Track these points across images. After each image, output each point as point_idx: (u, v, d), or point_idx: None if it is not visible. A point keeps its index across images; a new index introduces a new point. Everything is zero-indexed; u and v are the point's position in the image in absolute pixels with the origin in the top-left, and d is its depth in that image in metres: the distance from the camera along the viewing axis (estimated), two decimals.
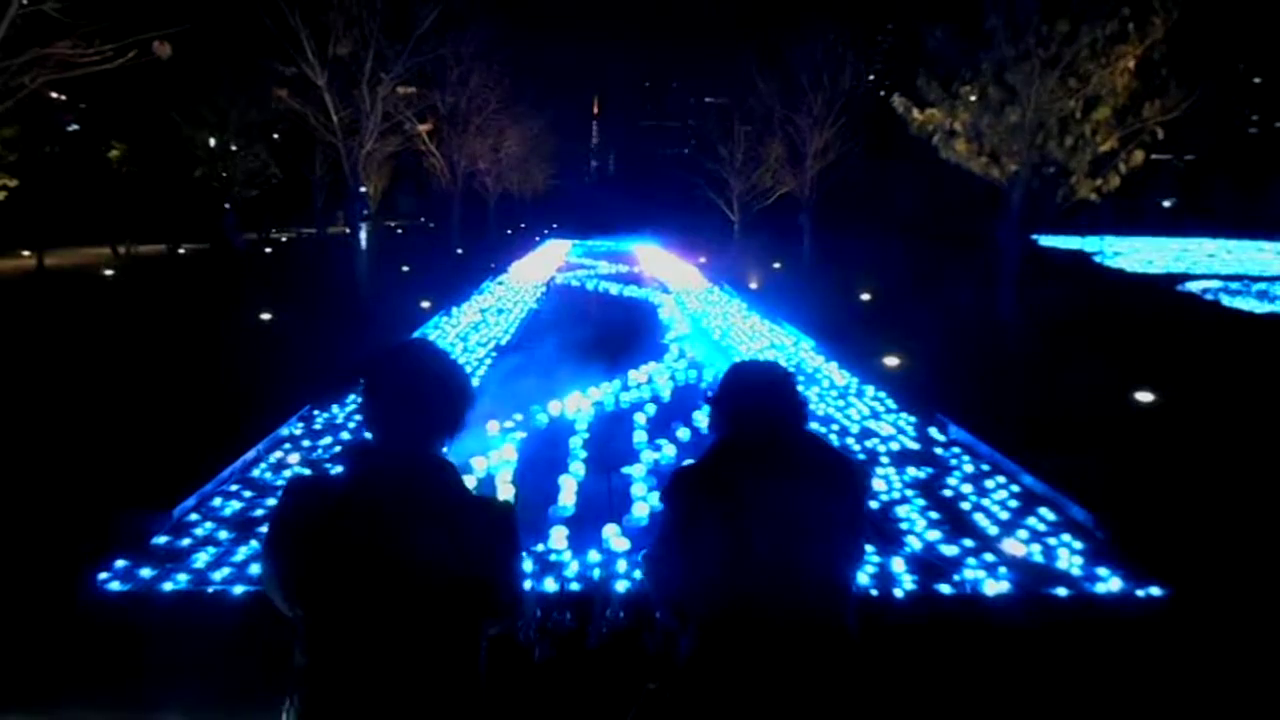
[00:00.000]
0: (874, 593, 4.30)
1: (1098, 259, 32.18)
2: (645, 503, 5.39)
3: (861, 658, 1.88)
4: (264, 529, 1.68)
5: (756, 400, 2.08)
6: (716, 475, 1.99)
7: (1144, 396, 8.19)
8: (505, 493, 5.66)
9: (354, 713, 1.55)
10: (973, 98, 11.89)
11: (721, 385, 2.18)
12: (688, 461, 2.29)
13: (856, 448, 6.78)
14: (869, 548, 4.74)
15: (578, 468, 6.07)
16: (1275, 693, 3.52)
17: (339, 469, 1.71)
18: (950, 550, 4.80)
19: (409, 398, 1.67)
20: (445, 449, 1.73)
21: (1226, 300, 19.51)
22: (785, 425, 2.06)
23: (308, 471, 5.94)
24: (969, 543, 4.90)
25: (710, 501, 1.93)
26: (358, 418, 7.30)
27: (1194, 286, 22.44)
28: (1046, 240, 35.21)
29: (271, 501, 5.32)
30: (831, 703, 1.80)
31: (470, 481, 5.79)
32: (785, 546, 1.84)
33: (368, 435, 1.75)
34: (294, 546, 1.60)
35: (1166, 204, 65.10)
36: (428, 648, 1.58)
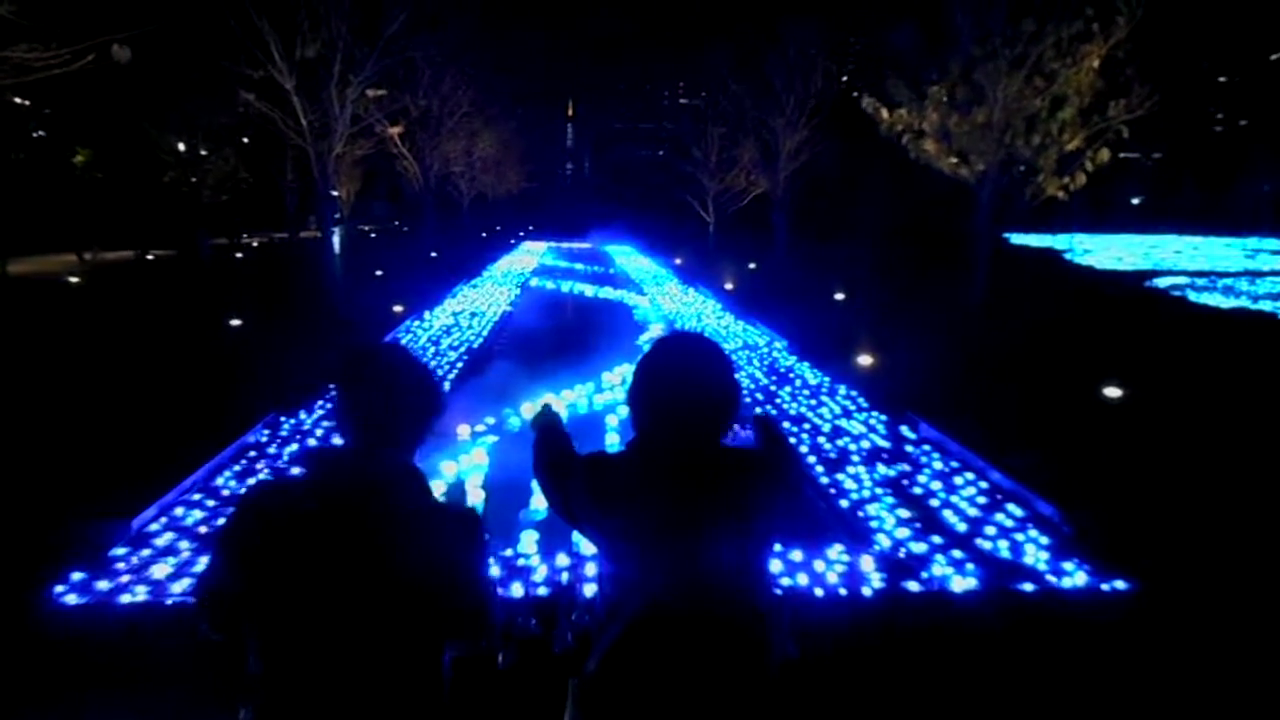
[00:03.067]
0: (843, 591, 4.29)
1: (1067, 256, 32.58)
2: None
3: (769, 671, 1.78)
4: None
5: (670, 400, 1.81)
6: (616, 485, 1.82)
7: (1112, 392, 8.29)
8: (475, 497, 5.60)
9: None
10: (943, 99, 11.99)
11: (637, 373, 1.88)
12: (610, 449, 2.09)
13: (828, 446, 6.79)
14: (839, 546, 4.75)
15: None
16: (1241, 685, 3.56)
17: (296, 471, 1.69)
18: (919, 548, 4.81)
19: (380, 402, 1.67)
20: (414, 455, 1.73)
21: (1193, 296, 19.82)
22: (701, 435, 1.81)
23: (267, 477, 5.84)
24: (938, 539, 4.91)
25: (609, 512, 1.80)
26: (325, 424, 7.21)
27: (1161, 283, 22.79)
28: (1017, 238, 35.68)
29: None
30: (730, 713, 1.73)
31: (440, 487, 5.74)
32: (687, 565, 1.72)
33: (336, 440, 1.74)
34: (256, 553, 1.57)
35: (1135, 201, 66.10)
36: (387, 656, 1.57)
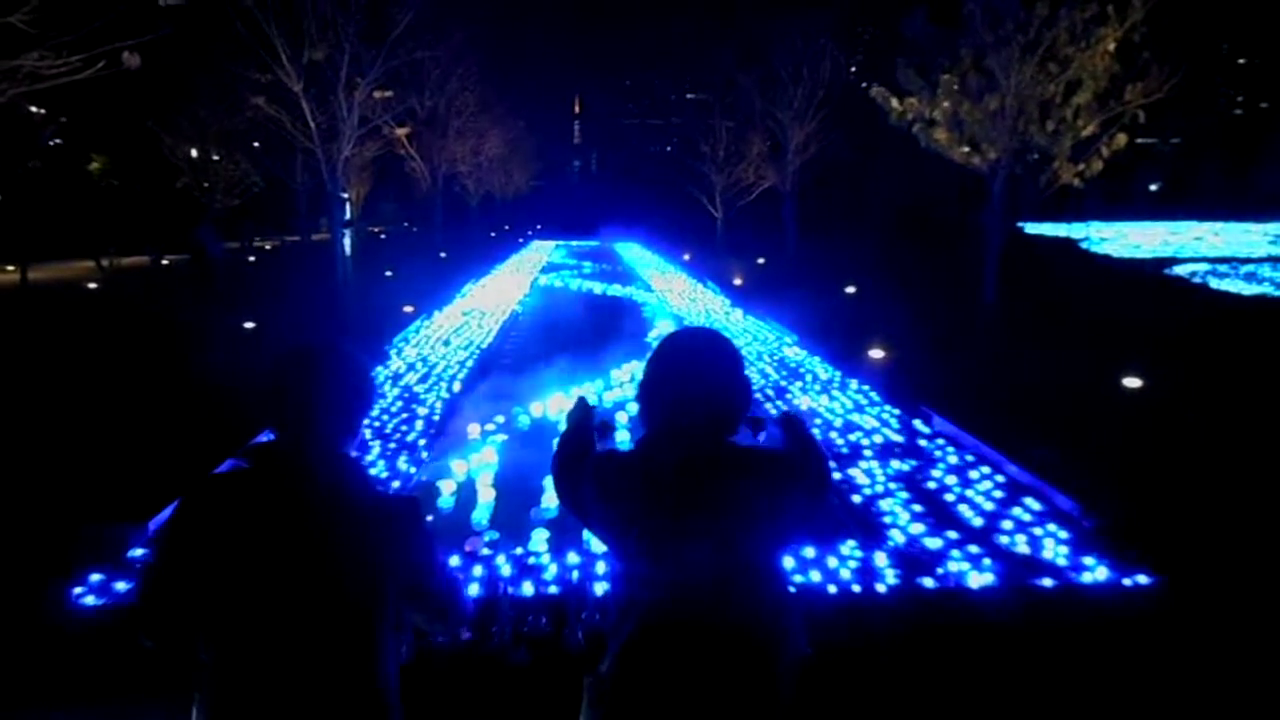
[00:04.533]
0: (857, 588, 4.24)
1: (1084, 245, 32.23)
2: None
3: (781, 670, 1.74)
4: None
5: (677, 396, 1.78)
6: (625, 482, 1.80)
7: (1131, 382, 8.17)
8: (486, 496, 5.59)
9: (260, 712, 1.57)
10: (954, 86, 11.85)
11: (645, 370, 1.87)
12: (620, 447, 2.06)
13: (840, 442, 6.72)
14: (851, 542, 4.69)
15: None
16: (1266, 682, 3.48)
17: (229, 468, 1.73)
18: (934, 543, 4.74)
19: (309, 398, 1.70)
20: (347, 446, 1.77)
21: (1214, 283, 19.55)
22: (708, 431, 1.78)
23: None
24: (953, 535, 4.85)
25: (618, 509, 1.78)
26: None
27: (1181, 270, 22.50)
28: (1032, 227, 35.34)
29: None
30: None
31: (450, 486, 5.72)
32: (696, 562, 1.69)
33: (267, 435, 1.78)
34: (201, 546, 1.59)
35: (1153, 188, 65.31)
36: (331, 646, 1.59)
